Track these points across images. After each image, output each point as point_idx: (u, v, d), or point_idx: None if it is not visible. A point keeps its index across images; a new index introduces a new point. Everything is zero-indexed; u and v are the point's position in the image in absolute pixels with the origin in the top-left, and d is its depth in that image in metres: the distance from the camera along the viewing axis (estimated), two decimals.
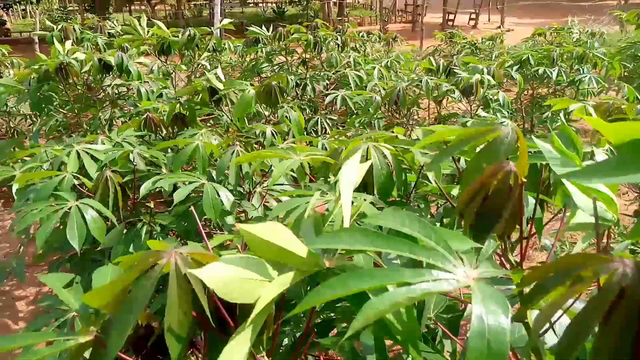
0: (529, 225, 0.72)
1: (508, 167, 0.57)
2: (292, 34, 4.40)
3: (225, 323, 0.59)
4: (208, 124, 2.98)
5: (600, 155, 1.15)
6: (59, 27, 4.12)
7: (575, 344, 0.42)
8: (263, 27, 4.75)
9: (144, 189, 1.63)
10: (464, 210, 0.59)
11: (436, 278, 0.44)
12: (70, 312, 1.35)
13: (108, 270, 0.72)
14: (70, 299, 0.68)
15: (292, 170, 1.16)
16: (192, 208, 1.00)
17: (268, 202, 1.95)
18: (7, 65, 5.01)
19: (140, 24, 3.69)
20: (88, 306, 0.66)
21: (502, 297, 0.40)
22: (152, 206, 1.92)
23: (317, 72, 4.33)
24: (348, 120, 3.55)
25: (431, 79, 3.13)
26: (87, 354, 0.66)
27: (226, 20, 4.03)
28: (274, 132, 2.13)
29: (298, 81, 3.89)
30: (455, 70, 3.51)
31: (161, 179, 1.65)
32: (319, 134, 3.33)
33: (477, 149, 0.68)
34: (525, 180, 0.55)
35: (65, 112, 3.21)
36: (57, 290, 0.70)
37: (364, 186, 1.06)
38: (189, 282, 0.55)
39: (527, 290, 0.50)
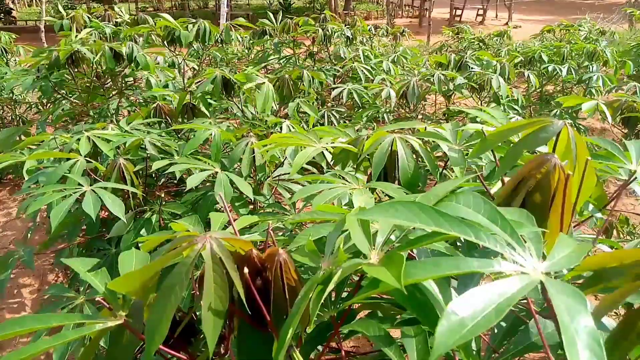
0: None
1: (554, 160, 0.54)
2: (300, 26, 4.37)
3: (259, 313, 0.58)
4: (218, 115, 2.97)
5: None
6: (70, 15, 4.11)
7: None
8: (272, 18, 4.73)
9: (156, 165, 1.62)
10: (503, 204, 0.56)
11: (506, 270, 0.40)
12: (77, 300, 1.34)
13: (133, 255, 0.71)
14: (97, 282, 0.67)
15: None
16: (221, 194, 0.99)
17: (279, 192, 1.94)
18: (14, 52, 5.00)
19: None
20: (113, 291, 0.65)
21: (578, 293, 0.37)
22: (163, 195, 1.92)
23: (324, 65, 4.30)
24: (355, 114, 3.53)
25: (442, 74, 3.10)
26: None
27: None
28: (291, 127, 2.11)
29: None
30: (468, 63, 3.48)
31: (174, 163, 1.63)
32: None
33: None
34: (571, 173, 0.53)
35: (72, 100, 3.20)
36: (83, 275, 0.69)
37: (384, 174, 1.04)
38: (224, 267, 0.54)
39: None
